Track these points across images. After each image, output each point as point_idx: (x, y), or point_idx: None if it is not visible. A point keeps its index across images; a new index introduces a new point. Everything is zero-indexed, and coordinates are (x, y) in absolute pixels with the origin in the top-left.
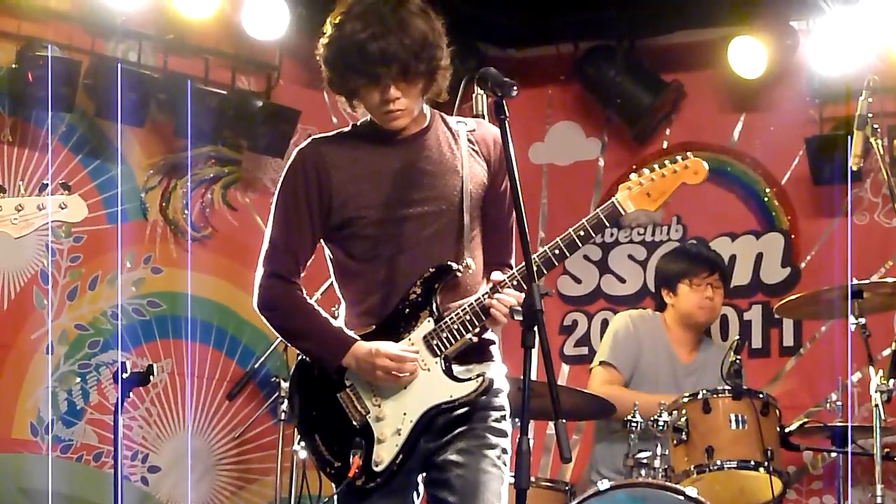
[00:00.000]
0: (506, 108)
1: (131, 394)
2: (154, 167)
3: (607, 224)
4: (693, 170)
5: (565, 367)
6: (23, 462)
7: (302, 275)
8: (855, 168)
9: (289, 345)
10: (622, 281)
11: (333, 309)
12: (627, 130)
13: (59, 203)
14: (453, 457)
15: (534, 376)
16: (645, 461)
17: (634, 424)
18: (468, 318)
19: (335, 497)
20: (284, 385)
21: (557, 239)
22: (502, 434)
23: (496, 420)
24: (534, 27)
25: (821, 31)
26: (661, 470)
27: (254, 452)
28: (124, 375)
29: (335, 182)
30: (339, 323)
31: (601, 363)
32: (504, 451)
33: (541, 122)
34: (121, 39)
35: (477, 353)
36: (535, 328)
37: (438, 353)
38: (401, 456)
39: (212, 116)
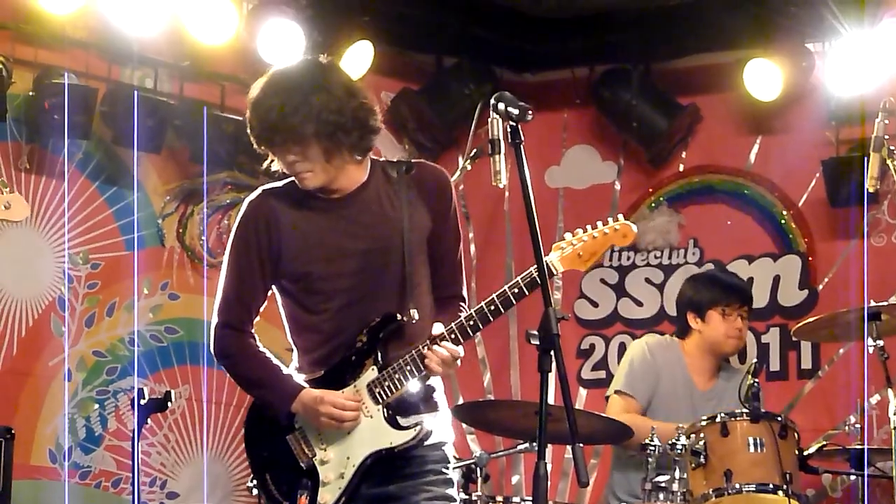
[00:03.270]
0: (521, 132)
1: (149, 420)
2: (171, 193)
3: (538, 283)
4: (622, 233)
5: (583, 391)
6: (41, 489)
7: (255, 321)
8: (871, 190)
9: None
10: (639, 304)
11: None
12: (643, 154)
13: (3, 203)
14: None
15: (551, 400)
16: (663, 485)
17: (652, 448)
18: (408, 367)
19: None
20: None
21: (493, 296)
22: (449, 484)
23: (440, 472)
24: (549, 51)
25: (837, 53)
26: (679, 494)
27: None
28: (142, 402)
29: (284, 235)
30: (291, 369)
31: (617, 392)
32: (449, 498)
33: (557, 145)
34: (137, 66)
35: (421, 401)
36: (552, 352)
37: (381, 400)
38: (343, 498)
39: (228, 142)
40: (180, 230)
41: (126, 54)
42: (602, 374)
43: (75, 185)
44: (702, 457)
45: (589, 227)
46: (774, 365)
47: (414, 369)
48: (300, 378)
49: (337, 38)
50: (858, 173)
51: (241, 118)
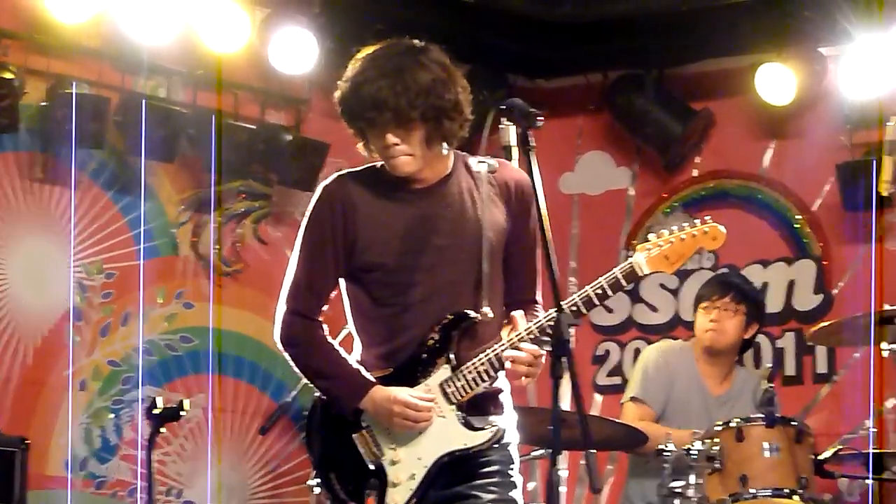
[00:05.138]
0: (532, 138)
1: (164, 429)
2: (184, 203)
3: (625, 284)
4: (711, 235)
5: (598, 398)
6: (57, 499)
7: (324, 310)
8: (885, 193)
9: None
10: (654, 310)
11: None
12: (658, 159)
13: None
14: None
15: (565, 406)
16: (679, 491)
17: (667, 454)
18: (484, 367)
19: None
20: None
21: (575, 296)
22: (513, 487)
23: (506, 475)
24: (562, 57)
25: (850, 57)
26: (695, 499)
27: (288, 486)
28: (155, 411)
29: (360, 224)
30: (355, 362)
31: (632, 398)
32: (513, 502)
33: (571, 151)
34: (149, 75)
35: (490, 402)
36: (564, 358)
37: (454, 400)
38: (414, 500)
39: (242, 151)
40: (194, 239)
41: (139, 63)
42: (617, 379)
43: (89, 194)
44: (717, 462)
45: (675, 227)
46: (790, 369)
47: (490, 370)
48: (367, 373)
49: (351, 46)
50: (873, 177)
51: (254, 126)
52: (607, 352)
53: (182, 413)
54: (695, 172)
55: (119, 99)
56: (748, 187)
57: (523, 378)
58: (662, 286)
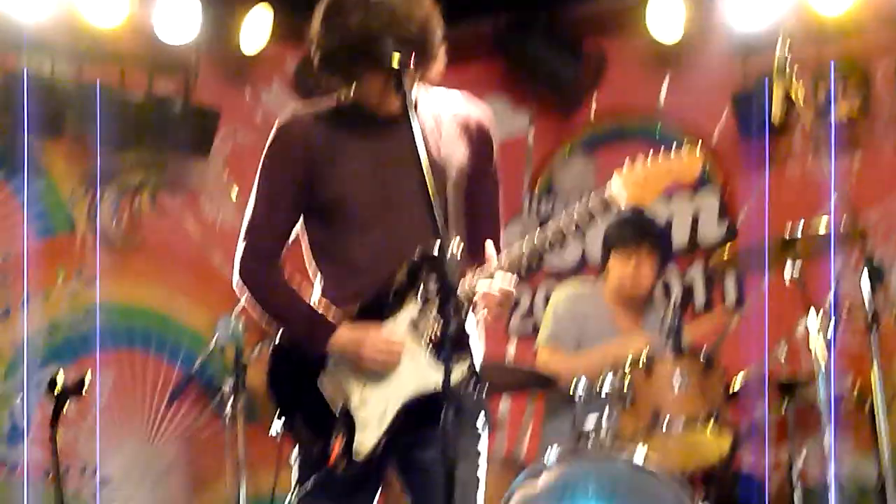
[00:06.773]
0: (405, 81)
1: (72, 406)
2: (77, 178)
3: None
4: (688, 164)
5: (512, 343)
6: None
7: (283, 252)
8: (777, 119)
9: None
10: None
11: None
12: (554, 101)
13: None
14: (433, 454)
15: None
16: (591, 430)
17: (579, 395)
18: (454, 303)
19: (311, 480)
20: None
21: (548, 228)
22: (476, 440)
23: (472, 426)
24: (451, 3)
25: None
26: (608, 437)
27: (205, 456)
28: (56, 388)
29: (319, 160)
30: (315, 301)
31: (545, 343)
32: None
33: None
34: (31, 53)
35: (461, 342)
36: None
37: (424, 339)
38: (383, 441)
39: (132, 123)
40: (91, 214)
41: (19, 41)
42: (530, 323)
43: None
44: (628, 399)
45: (651, 152)
46: (700, 301)
47: (460, 307)
48: (330, 313)
49: (235, 12)
50: (767, 104)
51: (143, 97)
52: (519, 296)
53: (84, 388)
54: (592, 113)
55: (1, 79)
56: (645, 123)
57: (487, 313)
58: None
